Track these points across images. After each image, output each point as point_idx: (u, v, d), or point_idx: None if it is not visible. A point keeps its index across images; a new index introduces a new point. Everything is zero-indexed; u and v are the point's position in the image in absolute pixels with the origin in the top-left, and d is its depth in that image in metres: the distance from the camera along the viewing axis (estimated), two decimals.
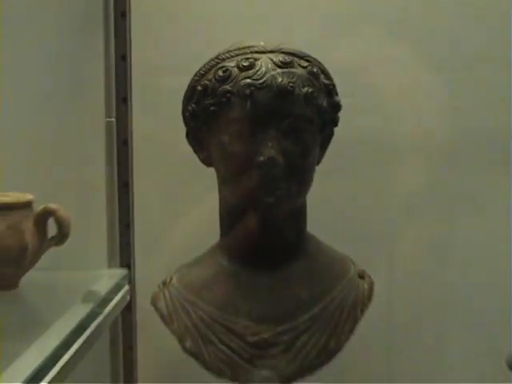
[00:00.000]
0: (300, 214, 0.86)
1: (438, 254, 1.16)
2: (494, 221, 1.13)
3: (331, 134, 0.86)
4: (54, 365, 0.73)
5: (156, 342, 1.07)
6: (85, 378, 0.97)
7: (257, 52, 0.81)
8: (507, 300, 1.06)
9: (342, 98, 0.86)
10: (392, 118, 1.13)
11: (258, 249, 0.84)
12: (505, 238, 1.11)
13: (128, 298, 1.03)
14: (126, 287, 1.03)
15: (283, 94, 0.78)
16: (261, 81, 0.78)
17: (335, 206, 1.12)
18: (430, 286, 1.15)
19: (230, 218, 0.85)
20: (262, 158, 0.78)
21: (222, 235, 0.87)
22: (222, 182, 0.84)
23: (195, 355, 0.82)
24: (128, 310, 1.06)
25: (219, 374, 0.82)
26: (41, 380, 0.69)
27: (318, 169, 0.85)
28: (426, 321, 1.15)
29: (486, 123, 1.12)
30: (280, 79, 0.78)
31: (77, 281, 0.98)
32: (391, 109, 1.13)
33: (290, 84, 0.78)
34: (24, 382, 0.65)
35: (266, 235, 0.83)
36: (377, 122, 1.13)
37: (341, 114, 0.86)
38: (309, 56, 0.83)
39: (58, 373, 0.73)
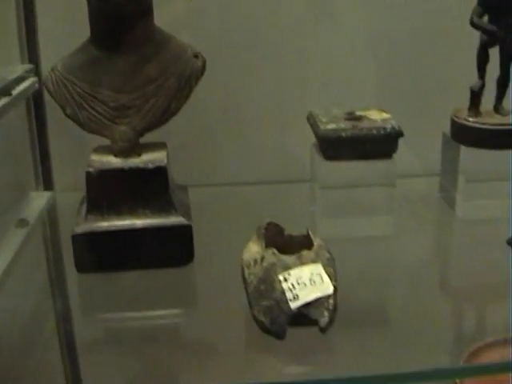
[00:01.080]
0: (147, 11, 1.13)
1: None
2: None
3: None
4: None
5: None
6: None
7: None
8: None
9: None
10: None
11: (117, 39, 1.11)
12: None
13: (36, 85, 1.32)
14: (33, 78, 1.32)
15: None
16: None
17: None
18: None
19: (94, 17, 1.12)
20: None
21: (91, 31, 1.14)
22: None
23: (73, 118, 1.13)
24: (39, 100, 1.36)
25: (91, 131, 1.13)
26: None
27: None
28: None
29: None
30: None
31: None
32: None
33: None
34: None
35: (121, 28, 1.11)
36: None
37: None
38: None
39: None
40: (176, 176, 1.21)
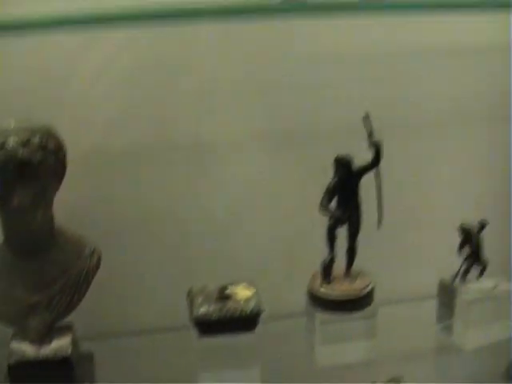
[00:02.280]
0: (48, 226, 1.38)
1: None
2: None
3: (62, 176, 1.36)
4: None
5: None
6: None
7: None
8: None
9: None
10: None
11: (23, 249, 1.37)
12: None
13: None
14: None
15: (23, 162, 1.27)
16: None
17: None
18: None
19: (6, 232, 1.37)
20: (15, 204, 1.29)
21: (4, 238, 1.39)
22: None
23: None
24: None
25: (9, 325, 1.38)
26: None
27: None
28: None
29: None
30: (21, 152, 1.27)
31: None
32: None
33: (27, 156, 1.28)
34: None
35: (26, 243, 1.37)
36: None
37: None
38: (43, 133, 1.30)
39: None
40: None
